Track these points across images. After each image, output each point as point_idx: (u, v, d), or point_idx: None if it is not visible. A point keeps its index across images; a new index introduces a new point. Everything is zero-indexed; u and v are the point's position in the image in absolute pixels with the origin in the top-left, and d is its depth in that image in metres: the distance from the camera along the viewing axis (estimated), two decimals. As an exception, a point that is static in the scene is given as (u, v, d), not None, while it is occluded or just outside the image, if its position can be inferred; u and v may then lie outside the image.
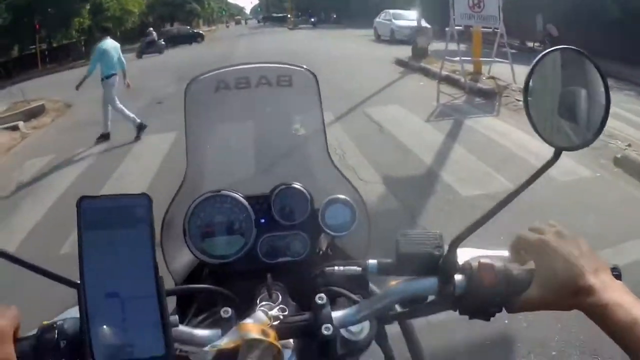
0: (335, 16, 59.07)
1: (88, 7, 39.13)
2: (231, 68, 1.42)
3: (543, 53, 0.96)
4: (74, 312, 0.95)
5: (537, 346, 3.22)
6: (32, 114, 13.98)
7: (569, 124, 0.96)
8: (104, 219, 0.79)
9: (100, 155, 8.68)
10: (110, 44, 9.75)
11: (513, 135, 7.52)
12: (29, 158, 9.40)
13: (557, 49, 0.97)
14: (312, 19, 56.21)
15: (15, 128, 12.31)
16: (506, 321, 3.24)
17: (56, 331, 0.92)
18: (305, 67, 1.42)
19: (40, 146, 10.65)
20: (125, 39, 44.08)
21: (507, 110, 9.42)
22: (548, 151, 0.93)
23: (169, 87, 15.38)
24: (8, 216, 6.30)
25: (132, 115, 9.67)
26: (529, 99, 0.93)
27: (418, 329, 1.23)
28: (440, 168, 6.43)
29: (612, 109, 0.90)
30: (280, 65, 1.41)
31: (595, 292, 0.82)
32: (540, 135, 0.94)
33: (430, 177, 6.16)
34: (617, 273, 0.92)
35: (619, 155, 6.55)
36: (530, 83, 0.93)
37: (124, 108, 9.67)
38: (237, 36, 47.09)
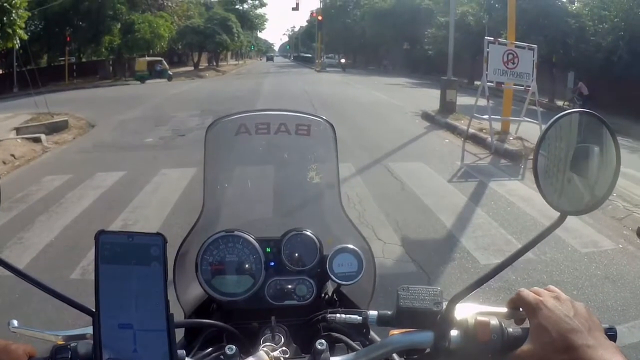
0: (386, 63, 53.93)
1: (119, 26, 39.72)
2: (253, 113, 1.47)
3: (559, 115, 0.98)
4: (84, 331, 1.11)
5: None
6: (55, 129, 14.19)
7: (576, 188, 1.00)
8: (121, 254, 0.84)
9: (118, 183, 8.65)
10: None
11: (537, 201, 7.33)
12: (47, 174, 9.46)
13: (573, 111, 0.99)
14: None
15: (37, 140, 12.48)
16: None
17: (70, 352, 1.01)
18: (323, 118, 1.46)
19: (60, 163, 10.72)
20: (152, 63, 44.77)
21: (532, 175, 9.24)
22: (570, 221, 0.94)
23: (192, 120, 15.61)
24: (21, 231, 6.28)
25: None
26: (538, 160, 0.99)
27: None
28: (461, 233, 6.32)
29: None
30: (300, 115, 1.46)
31: (587, 350, 0.85)
32: (544, 198, 1.00)
33: (450, 241, 6.05)
34: (612, 333, 0.95)
35: (642, 226, 6.45)
36: (542, 145, 0.97)
37: None
38: (264, 73, 47.82)
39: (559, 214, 1.00)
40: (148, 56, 42.37)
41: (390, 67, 50.77)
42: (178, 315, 0.93)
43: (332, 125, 1.45)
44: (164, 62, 39.96)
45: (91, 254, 5.46)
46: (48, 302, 3.83)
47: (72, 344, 1.04)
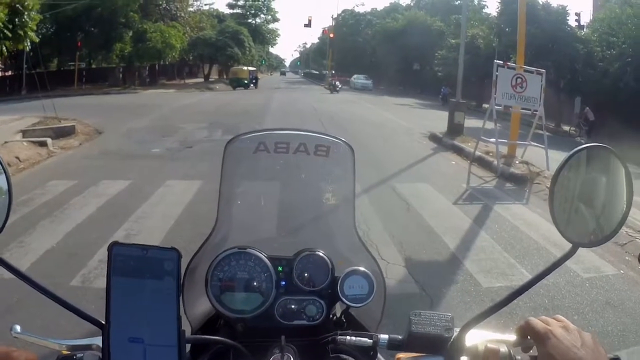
0: (445, 91, 34.87)
1: (131, 34, 39.96)
2: (273, 132, 1.44)
3: (574, 150, 1.00)
4: (90, 342, 1.07)
5: None
6: (62, 133, 14.21)
7: (589, 221, 1.01)
8: (134, 267, 0.84)
9: (123, 192, 8.62)
10: None
11: (541, 227, 7.42)
12: (52, 178, 9.47)
13: (588, 146, 1.01)
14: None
15: (43, 144, 12.49)
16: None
17: None
18: (343, 140, 1.43)
19: (65, 169, 10.71)
20: (162, 73, 45.23)
21: (537, 199, 9.36)
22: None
23: (200, 132, 15.68)
24: (23, 234, 6.26)
25: None
26: (554, 194, 1.00)
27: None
28: (464, 255, 6.30)
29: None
30: (320, 135, 1.44)
31: None
32: (559, 230, 1.01)
33: (454, 264, 6.02)
34: None
35: (644, 252, 6.42)
36: (558, 179, 0.99)
37: None
38: (274, 88, 48.11)
39: (570, 244, 1.01)
40: (158, 66, 42.88)
41: (450, 97, 36.35)
42: (185, 329, 0.90)
43: (351, 148, 1.43)
44: (257, 71, 44.42)
45: (92, 262, 5.46)
46: (47, 308, 3.78)
47: (78, 355, 1.03)
